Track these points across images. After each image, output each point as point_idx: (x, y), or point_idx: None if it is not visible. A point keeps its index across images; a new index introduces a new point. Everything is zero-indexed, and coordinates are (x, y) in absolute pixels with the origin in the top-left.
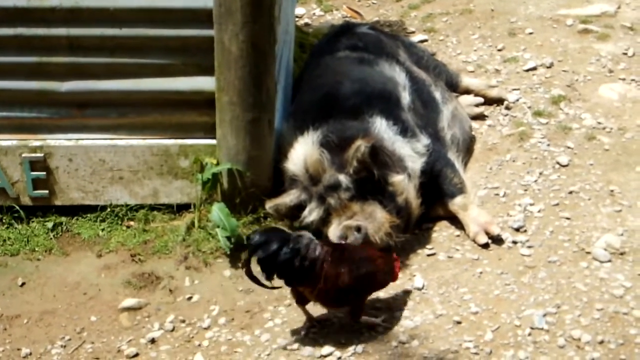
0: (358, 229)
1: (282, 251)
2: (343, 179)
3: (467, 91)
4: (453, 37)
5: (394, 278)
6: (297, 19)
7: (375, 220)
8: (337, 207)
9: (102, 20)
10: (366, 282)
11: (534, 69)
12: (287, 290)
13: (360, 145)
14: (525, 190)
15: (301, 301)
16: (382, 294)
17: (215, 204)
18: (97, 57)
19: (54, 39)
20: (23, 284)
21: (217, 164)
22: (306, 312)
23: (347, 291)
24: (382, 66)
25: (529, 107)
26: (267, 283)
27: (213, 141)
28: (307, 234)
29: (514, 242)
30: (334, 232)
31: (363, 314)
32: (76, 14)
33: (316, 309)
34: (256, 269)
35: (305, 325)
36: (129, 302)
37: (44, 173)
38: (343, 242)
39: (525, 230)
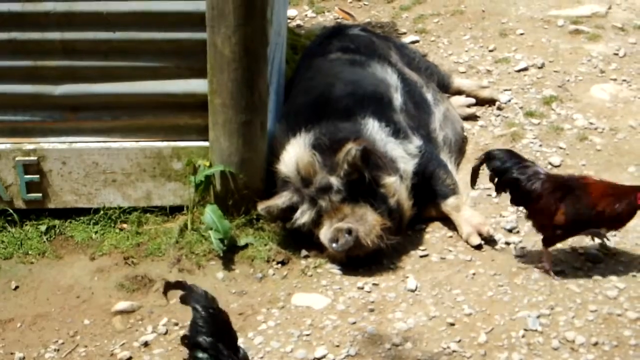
0: (349, 231)
1: (510, 172)
2: (334, 181)
3: (459, 92)
4: (444, 38)
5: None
6: (289, 21)
7: (366, 222)
8: (328, 209)
9: (95, 24)
10: (584, 223)
11: (526, 69)
12: (279, 293)
13: (351, 149)
14: None
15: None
16: (374, 295)
17: (208, 206)
18: (90, 61)
19: (48, 43)
20: (16, 287)
21: (210, 166)
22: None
23: (559, 227)
24: (374, 68)
25: (521, 108)
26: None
27: (206, 143)
28: (535, 167)
29: (507, 243)
30: (325, 235)
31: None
32: (70, 18)
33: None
34: None
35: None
36: (122, 305)
37: (38, 176)
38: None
39: (518, 232)
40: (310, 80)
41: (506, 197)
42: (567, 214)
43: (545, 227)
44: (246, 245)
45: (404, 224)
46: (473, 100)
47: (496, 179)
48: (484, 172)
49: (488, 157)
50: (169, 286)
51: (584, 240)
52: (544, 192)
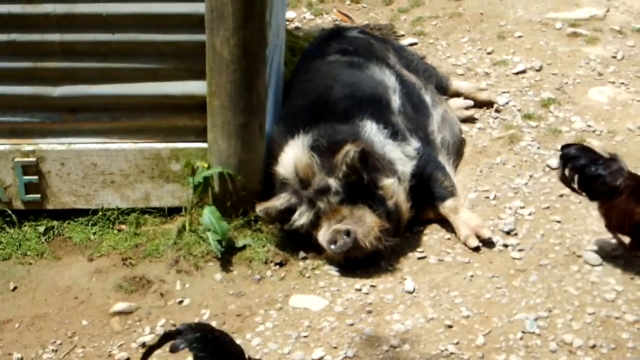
0: (347, 233)
1: (588, 168)
2: (332, 182)
3: (457, 94)
4: (443, 41)
5: None
6: (287, 23)
7: (364, 224)
8: (326, 210)
9: (95, 25)
10: None
11: (524, 72)
12: (277, 295)
13: (350, 150)
14: (516, 193)
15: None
16: (372, 296)
17: (206, 208)
18: (90, 62)
19: (47, 44)
20: (15, 288)
21: (208, 167)
22: (618, 238)
23: (636, 227)
24: (372, 70)
25: (519, 110)
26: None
27: (204, 145)
28: (619, 162)
29: (505, 246)
30: (323, 236)
31: None
32: (69, 19)
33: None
34: None
35: (617, 250)
36: (120, 306)
37: (36, 177)
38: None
39: (516, 234)
40: (309, 82)
41: (504, 199)
42: None
43: (622, 226)
44: (244, 247)
45: (402, 225)
46: (471, 103)
47: (577, 177)
48: (484, 175)
49: (565, 158)
50: (163, 341)
51: (581, 242)
52: (625, 189)
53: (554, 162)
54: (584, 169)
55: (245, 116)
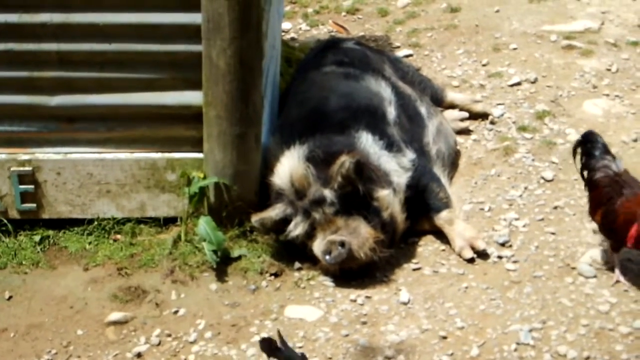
0: (342, 244)
1: (592, 155)
2: (328, 193)
3: (452, 106)
4: (438, 52)
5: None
6: (283, 34)
7: (359, 235)
8: (321, 221)
9: (91, 35)
10: (611, 232)
11: (519, 84)
12: (272, 305)
13: (345, 161)
14: (510, 205)
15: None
16: (367, 307)
17: (201, 218)
18: (86, 72)
19: (44, 53)
20: (10, 297)
21: (204, 177)
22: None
23: (599, 227)
24: (368, 81)
25: (514, 122)
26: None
27: (200, 155)
28: (608, 160)
29: (500, 257)
30: (318, 247)
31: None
32: (66, 29)
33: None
34: None
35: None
36: (115, 316)
37: (32, 186)
38: None
39: (510, 245)
40: (305, 93)
41: (498, 211)
42: (602, 216)
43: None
44: (239, 257)
45: (397, 237)
46: (466, 114)
47: (583, 159)
48: (479, 187)
49: (585, 137)
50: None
51: (575, 254)
52: (598, 186)
53: (549, 174)
54: (590, 152)
55: (241, 127)
